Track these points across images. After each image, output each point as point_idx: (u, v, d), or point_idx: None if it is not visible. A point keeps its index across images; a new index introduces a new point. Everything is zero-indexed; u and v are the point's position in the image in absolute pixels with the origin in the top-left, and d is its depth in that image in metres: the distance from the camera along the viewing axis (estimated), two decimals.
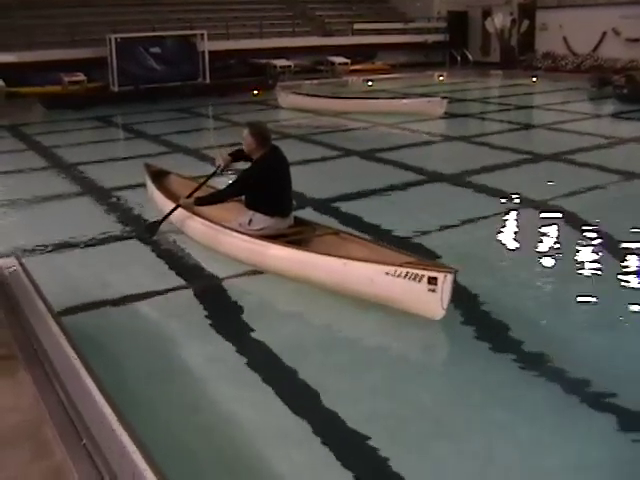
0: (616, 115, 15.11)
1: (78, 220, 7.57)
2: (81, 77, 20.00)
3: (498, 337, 4.60)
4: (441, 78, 23.01)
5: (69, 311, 4.87)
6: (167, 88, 19.78)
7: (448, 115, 14.77)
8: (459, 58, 27.47)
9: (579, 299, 5.29)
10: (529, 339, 4.52)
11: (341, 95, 17.39)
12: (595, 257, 6.16)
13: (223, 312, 5.13)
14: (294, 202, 6.39)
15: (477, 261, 5.98)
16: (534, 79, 21.75)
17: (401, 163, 10.13)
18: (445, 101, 14.92)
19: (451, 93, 18.43)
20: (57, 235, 6.86)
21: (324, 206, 7.80)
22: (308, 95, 17.25)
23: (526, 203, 7.85)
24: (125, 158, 11.57)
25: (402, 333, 4.74)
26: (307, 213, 7.07)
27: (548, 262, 6.07)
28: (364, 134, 13.62)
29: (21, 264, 4.61)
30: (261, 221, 5.90)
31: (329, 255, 5.22)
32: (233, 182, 6.15)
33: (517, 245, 6.65)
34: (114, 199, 8.43)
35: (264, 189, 5.87)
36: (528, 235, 6.82)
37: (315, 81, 22.02)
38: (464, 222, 7.13)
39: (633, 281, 5.50)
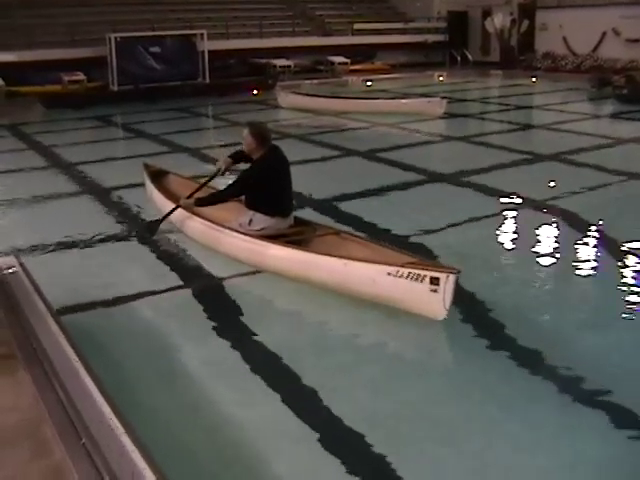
0: (616, 115, 15.12)
1: (78, 219, 7.57)
2: (81, 76, 20.00)
3: (496, 336, 4.61)
4: (441, 78, 23.02)
5: (69, 310, 4.87)
6: (167, 88, 19.78)
7: (448, 115, 14.77)
8: (459, 58, 27.47)
9: (579, 299, 5.31)
10: (528, 338, 4.52)
11: (341, 95, 17.39)
12: (595, 257, 6.16)
13: (223, 312, 5.13)
14: (294, 202, 6.39)
15: (477, 261, 5.98)
16: (534, 79, 21.77)
17: (401, 163, 10.13)
18: (445, 101, 14.93)
19: (451, 93, 18.45)
20: (57, 234, 6.86)
21: (324, 206, 7.80)
22: (308, 95, 17.25)
23: (526, 203, 7.85)
24: (125, 157, 11.57)
25: (402, 332, 4.74)
26: (307, 213, 7.07)
27: (548, 262, 6.07)
28: (364, 134, 13.62)
29: (21, 263, 4.60)
30: (261, 221, 5.90)
31: (330, 255, 5.21)
32: (233, 182, 6.14)
33: (517, 245, 6.65)
34: (114, 199, 8.43)
35: (264, 189, 5.87)
36: (528, 235, 6.81)
37: (315, 81, 22.03)
38: (464, 222, 7.13)
39: (632, 281, 5.50)
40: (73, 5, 22.51)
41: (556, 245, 6.56)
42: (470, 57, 27.42)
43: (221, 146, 11.41)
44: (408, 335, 4.73)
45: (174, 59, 20.74)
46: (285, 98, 17.02)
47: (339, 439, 3.52)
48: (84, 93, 19.59)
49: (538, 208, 7.63)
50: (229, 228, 6.00)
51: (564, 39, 24.48)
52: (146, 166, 8.11)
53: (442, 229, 6.93)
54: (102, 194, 8.69)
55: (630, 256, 6.03)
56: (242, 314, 5.01)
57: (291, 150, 6.52)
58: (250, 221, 5.93)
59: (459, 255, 5.99)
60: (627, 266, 5.82)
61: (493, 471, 3.31)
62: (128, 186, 8.76)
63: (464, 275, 4.83)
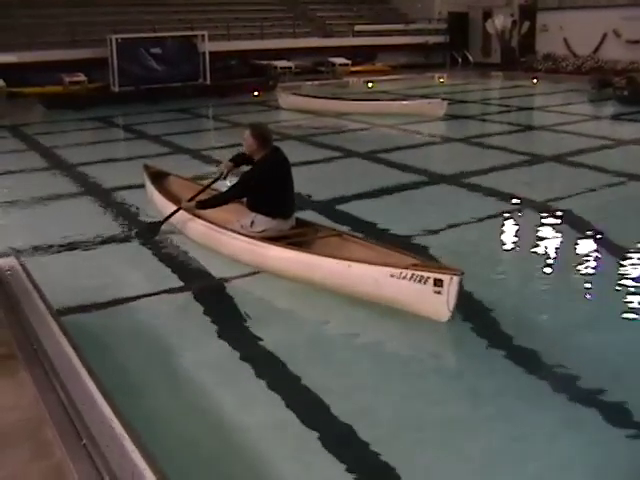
0: (616, 117, 15.12)
1: (78, 220, 7.57)
2: (82, 77, 20.02)
3: (495, 334, 4.62)
4: (441, 79, 23.03)
5: (69, 311, 4.87)
6: (168, 89, 19.79)
7: (448, 116, 14.78)
8: (459, 59, 27.47)
9: (579, 299, 5.31)
10: (527, 337, 4.54)
11: (341, 96, 17.39)
12: (595, 257, 6.16)
13: (224, 313, 5.13)
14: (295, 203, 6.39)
15: (477, 261, 5.98)
16: (534, 80, 21.77)
17: (402, 164, 10.13)
18: (445, 102, 14.94)
19: (451, 94, 18.46)
20: (57, 235, 6.86)
21: (324, 207, 7.80)
22: (309, 96, 17.27)
23: (526, 204, 7.85)
24: (125, 159, 11.58)
25: (402, 332, 4.75)
26: (308, 214, 7.07)
27: (548, 262, 6.07)
28: (364, 135, 13.62)
29: (21, 264, 4.61)
30: (263, 223, 5.90)
31: (333, 257, 5.20)
32: (235, 184, 6.13)
33: (517, 245, 6.66)
34: (114, 200, 8.43)
35: (266, 191, 5.87)
36: (528, 236, 6.81)
37: (316, 82, 22.03)
38: (464, 223, 7.13)
39: (632, 282, 5.50)
40: (74, 6, 22.52)
41: (557, 246, 6.56)
42: (471, 58, 27.42)
43: (221, 148, 11.42)
44: (408, 335, 4.73)
45: (175, 60, 20.75)
46: (286, 99, 17.03)
47: (339, 438, 3.52)
48: (85, 94, 19.60)
49: (538, 209, 7.62)
50: (231, 230, 5.99)
51: (565, 40, 24.50)
52: (146, 167, 8.11)
53: (442, 230, 6.92)
54: (103, 195, 8.69)
55: (630, 256, 6.03)
56: (243, 314, 5.01)
57: (292, 151, 6.53)
58: (252, 223, 5.93)
59: (459, 255, 5.99)
60: (628, 267, 5.82)
61: (493, 471, 3.31)
62: (129, 187, 8.76)
63: (465, 275, 4.82)
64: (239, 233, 5.90)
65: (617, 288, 5.41)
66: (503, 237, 6.87)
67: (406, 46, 27.03)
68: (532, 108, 17.65)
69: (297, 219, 6.18)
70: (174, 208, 6.60)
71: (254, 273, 5.71)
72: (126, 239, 6.90)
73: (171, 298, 5.40)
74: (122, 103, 18.49)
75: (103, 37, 19.98)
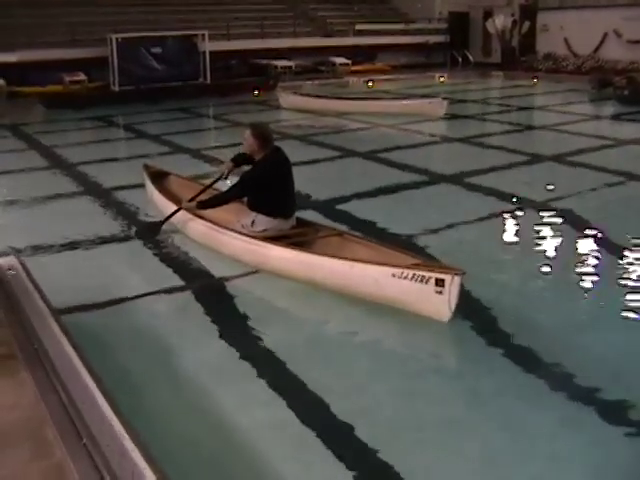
0: (617, 117, 15.11)
1: (79, 220, 7.57)
2: (82, 77, 20.01)
3: (495, 333, 4.63)
4: (442, 79, 23.01)
5: (69, 310, 4.86)
6: (168, 88, 19.78)
7: (449, 116, 14.78)
8: (460, 59, 27.46)
9: (579, 298, 5.31)
10: (526, 335, 4.56)
11: (342, 96, 17.39)
12: (595, 257, 6.16)
13: (224, 312, 5.13)
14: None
15: (476, 260, 5.97)
16: (535, 80, 21.76)
17: (402, 164, 10.13)
18: (446, 102, 14.94)
19: (452, 94, 18.46)
20: (58, 235, 6.86)
21: (324, 206, 7.81)
22: (309, 96, 17.26)
23: (526, 204, 7.85)
24: (125, 158, 11.59)
25: (402, 331, 4.75)
26: (308, 214, 7.07)
27: (547, 262, 6.07)
28: (365, 135, 13.62)
29: (21, 263, 4.61)
30: (263, 222, 5.90)
31: (335, 257, 5.19)
32: (235, 184, 6.13)
33: (517, 245, 6.66)
34: (114, 199, 8.43)
35: (266, 190, 5.86)
36: (528, 235, 6.81)
37: (316, 82, 22.02)
38: (464, 222, 7.14)
39: (632, 281, 5.50)
40: (74, 5, 22.52)
41: (556, 245, 6.56)
42: (471, 58, 27.41)
43: (222, 147, 11.41)
44: (408, 334, 4.73)
45: (175, 60, 20.74)
46: (286, 99, 17.02)
47: (339, 438, 3.52)
48: (85, 93, 19.59)
49: (538, 209, 7.62)
50: (231, 230, 5.99)
51: (565, 40, 24.49)
52: (146, 167, 8.11)
53: (442, 229, 6.93)
54: (103, 195, 8.69)
55: (630, 256, 6.03)
56: (243, 314, 5.01)
57: (292, 151, 6.52)
58: (252, 222, 5.93)
59: (459, 254, 5.98)
60: (627, 266, 5.83)
61: (493, 470, 3.31)
62: (129, 187, 8.76)
63: (465, 274, 4.82)
64: (240, 233, 5.90)
65: (617, 287, 5.41)
66: (503, 237, 6.88)
67: (406, 46, 27.01)
68: (532, 108, 17.65)
69: (298, 219, 6.18)
70: (174, 207, 6.61)
71: (254, 273, 5.72)
72: (126, 239, 6.90)
73: (171, 298, 5.40)
74: (122, 102, 18.47)
75: (103, 36, 19.96)
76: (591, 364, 4.26)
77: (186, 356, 4.41)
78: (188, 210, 6.40)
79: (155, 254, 6.40)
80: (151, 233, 6.70)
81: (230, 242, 5.94)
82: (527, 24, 25.84)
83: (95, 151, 12.02)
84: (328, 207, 7.81)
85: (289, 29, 25.08)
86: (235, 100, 18.81)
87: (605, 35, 23.24)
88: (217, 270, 5.88)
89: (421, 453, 3.44)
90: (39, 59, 19.40)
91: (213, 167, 9.63)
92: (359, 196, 8.31)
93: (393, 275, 4.74)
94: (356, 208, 7.74)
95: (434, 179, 9.30)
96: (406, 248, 5.65)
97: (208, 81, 21.18)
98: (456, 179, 9.11)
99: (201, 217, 6.33)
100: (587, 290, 5.49)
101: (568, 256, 6.27)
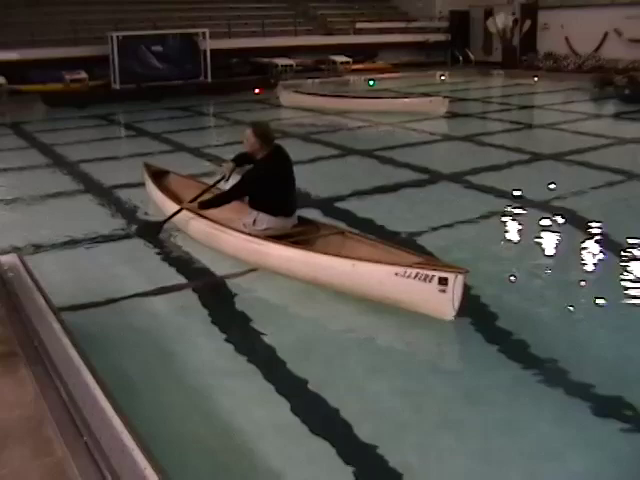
0: (618, 115, 15.10)
1: (79, 218, 7.57)
2: (83, 75, 19.97)
3: (494, 330, 4.65)
4: (443, 77, 23.00)
5: (70, 309, 4.86)
6: (169, 86, 19.79)
7: (450, 114, 14.78)
8: (461, 58, 27.44)
9: (579, 297, 5.31)
10: (524, 332, 4.56)
11: (343, 94, 17.38)
12: (596, 257, 6.17)
13: (225, 311, 5.14)
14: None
15: (476, 258, 5.98)
16: (535, 79, 21.74)
17: (402, 162, 10.13)
18: (447, 100, 14.94)
19: (453, 92, 18.46)
20: (58, 233, 6.87)
21: (324, 204, 7.81)
22: (310, 94, 17.26)
23: (527, 202, 7.85)
24: (126, 156, 11.58)
25: (402, 328, 4.75)
26: (307, 212, 7.07)
27: (548, 260, 6.08)
28: (365, 133, 13.62)
29: (22, 261, 4.62)
30: (265, 221, 5.89)
31: (338, 256, 5.18)
32: (237, 183, 6.11)
33: (517, 244, 6.66)
34: (115, 197, 8.44)
35: (268, 189, 5.86)
36: (528, 234, 6.81)
37: (317, 80, 22.02)
38: (464, 220, 7.15)
39: (632, 280, 5.50)
40: (75, 3, 22.50)
41: (557, 244, 6.56)
42: (472, 57, 27.37)
43: (222, 145, 11.42)
44: (409, 331, 4.73)
45: (176, 58, 20.73)
46: (287, 97, 17.02)
47: (340, 437, 3.52)
48: (86, 92, 19.57)
49: (539, 207, 7.62)
50: (233, 228, 5.99)
51: (566, 39, 24.45)
52: (146, 166, 8.10)
53: (442, 227, 6.93)
54: (103, 193, 8.69)
55: (630, 255, 6.03)
56: (244, 313, 5.01)
57: (293, 149, 6.52)
58: (254, 221, 5.93)
59: (459, 252, 6.00)
60: (627, 264, 5.83)
61: (493, 470, 3.32)
62: (129, 185, 8.77)
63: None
64: (241, 232, 5.90)
65: (617, 286, 5.41)
66: (503, 235, 6.87)
67: (407, 44, 26.99)
68: (533, 106, 17.63)
69: (299, 217, 6.17)
70: (174, 206, 6.61)
71: (256, 271, 5.72)
72: (127, 237, 6.91)
73: (172, 296, 5.41)
74: (123, 101, 18.49)
75: (104, 35, 19.97)
76: (591, 363, 4.26)
77: (186, 354, 4.41)
78: (190, 210, 6.39)
79: (156, 253, 6.40)
80: (152, 233, 6.69)
81: (231, 241, 5.94)
82: (528, 23, 25.79)
83: (96, 149, 12.02)
84: (328, 205, 7.82)
85: (290, 27, 25.06)
86: (236, 98, 18.81)
87: (606, 34, 23.20)
88: (218, 269, 5.88)
89: (421, 452, 3.44)
90: (40, 57, 19.37)
91: (214, 166, 9.64)
92: (359, 194, 8.31)
93: (396, 274, 4.72)
94: (356, 206, 7.74)
95: (435, 177, 9.30)
96: (406, 246, 5.65)
97: (209, 79, 21.18)
98: (456, 177, 9.10)
99: (202, 216, 6.33)
100: (586, 289, 5.50)
101: (568, 254, 6.27)
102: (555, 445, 3.45)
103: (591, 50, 23.57)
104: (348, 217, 7.26)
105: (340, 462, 3.32)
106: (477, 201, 8.04)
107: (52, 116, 16.85)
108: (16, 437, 2.76)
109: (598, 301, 5.20)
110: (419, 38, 27.28)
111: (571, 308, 5.17)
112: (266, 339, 4.59)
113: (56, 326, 3.64)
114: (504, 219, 7.33)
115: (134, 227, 7.16)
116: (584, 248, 6.36)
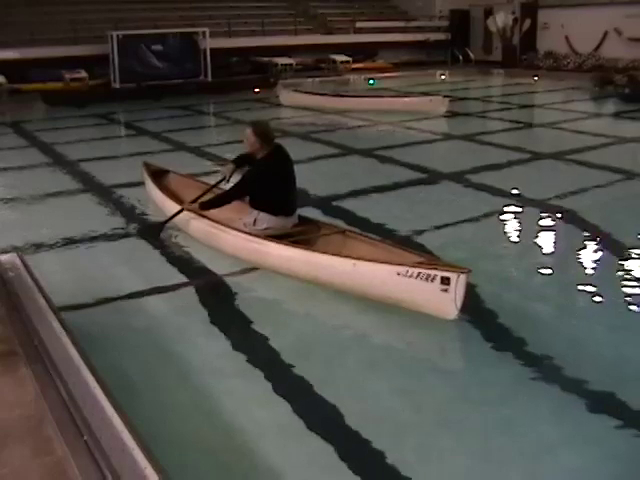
0: (618, 115, 15.10)
1: (79, 218, 7.57)
2: (83, 74, 19.96)
3: (495, 329, 4.66)
4: (443, 77, 22.99)
5: (70, 308, 4.86)
6: (169, 85, 19.78)
7: (450, 113, 14.77)
8: (461, 57, 27.43)
9: (578, 296, 5.32)
10: (524, 331, 4.57)
11: (343, 93, 17.38)
12: (596, 256, 6.17)
13: (225, 310, 5.14)
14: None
15: (476, 257, 5.98)
16: (535, 78, 21.74)
17: (402, 161, 10.13)
18: (447, 99, 14.93)
19: (453, 92, 18.43)
20: (58, 232, 6.87)
21: (324, 203, 7.81)
22: (310, 93, 17.25)
23: (527, 201, 7.85)
24: (126, 155, 11.58)
25: (402, 327, 4.75)
26: (307, 211, 7.07)
27: (548, 259, 6.08)
28: (365, 132, 13.62)
29: (22, 261, 4.62)
30: (265, 220, 5.89)
31: (339, 256, 5.17)
32: (237, 183, 6.10)
33: (517, 243, 6.66)
34: (115, 196, 8.43)
35: (268, 188, 5.86)
36: (528, 233, 6.82)
37: (317, 79, 22.01)
38: (464, 220, 7.15)
39: (633, 279, 5.50)
40: (75, 2, 22.48)
41: (557, 243, 6.56)
42: (472, 56, 27.37)
43: (222, 144, 11.42)
44: (410, 331, 4.74)
45: (176, 57, 20.73)
46: (287, 96, 17.02)
47: (340, 437, 3.52)
48: (86, 91, 19.56)
49: (539, 206, 7.62)
50: (233, 228, 5.99)
51: (566, 38, 24.44)
52: (146, 165, 8.10)
53: (442, 227, 6.93)
54: (103, 192, 8.69)
55: (631, 254, 6.03)
56: (245, 312, 5.02)
57: (293, 148, 6.52)
58: (255, 221, 5.93)
59: (459, 252, 6.00)
60: (628, 264, 5.83)
61: (494, 469, 3.32)
62: (129, 184, 8.76)
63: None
64: (242, 231, 5.90)
65: (617, 285, 5.41)
66: (503, 234, 6.87)
67: (407, 43, 26.98)
68: (533, 105, 17.63)
69: (300, 216, 6.17)
70: (174, 205, 6.60)
71: (257, 271, 5.72)
72: (127, 236, 6.91)
73: (172, 296, 5.41)
74: (123, 100, 18.48)
75: (104, 34, 19.96)
76: (589, 361, 4.27)
77: (186, 354, 4.41)
78: (190, 211, 6.39)
79: (157, 252, 6.40)
80: (153, 233, 6.69)
81: (232, 240, 5.93)
82: (528, 22, 25.77)
83: (96, 148, 12.01)
84: (328, 204, 7.82)
85: (290, 26, 25.06)
86: (236, 98, 18.80)
87: (606, 33, 23.18)
88: (219, 268, 5.88)
89: (421, 451, 3.44)
90: (40, 56, 19.36)
91: (214, 165, 9.64)
92: (359, 193, 8.31)
93: (398, 274, 4.71)
94: (356, 205, 7.74)
95: (434, 176, 9.30)
96: (406, 245, 5.65)
97: (209, 78, 21.17)
98: (456, 177, 9.10)
99: (203, 215, 6.32)
100: (587, 288, 5.49)
101: (567, 253, 6.28)
102: (553, 443, 3.45)
103: (591, 49, 23.55)
104: (348, 216, 7.26)
105: (340, 462, 3.32)
106: (477, 200, 8.04)
107: (52, 115, 16.84)
108: (16, 436, 2.77)
109: (597, 300, 5.21)
110: (419, 37, 27.27)
111: (570, 307, 5.18)
112: (266, 339, 4.59)
113: (56, 325, 3.64)
114: (504, 218, 7.33)
115: (134, 226, 7.16)
116: (583, 247, 6.36)
